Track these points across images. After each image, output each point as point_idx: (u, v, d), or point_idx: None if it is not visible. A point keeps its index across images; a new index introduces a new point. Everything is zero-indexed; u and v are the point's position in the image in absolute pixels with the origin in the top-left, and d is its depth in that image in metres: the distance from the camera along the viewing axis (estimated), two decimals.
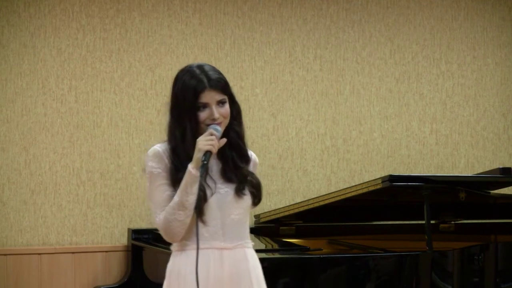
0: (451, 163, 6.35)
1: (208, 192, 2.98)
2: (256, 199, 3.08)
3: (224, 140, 2.99)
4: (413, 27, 6.31)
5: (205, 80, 3.03)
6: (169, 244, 4.74)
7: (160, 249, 5.19)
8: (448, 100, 6.38)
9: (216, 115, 3.00)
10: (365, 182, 4.75)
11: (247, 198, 3.05)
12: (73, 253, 5.53)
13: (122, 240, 5.63)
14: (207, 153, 2.92)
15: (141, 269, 5.41)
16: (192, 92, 3.02)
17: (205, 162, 2.90)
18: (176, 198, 2.93)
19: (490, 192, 5.13)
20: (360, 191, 4.65)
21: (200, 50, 5.85)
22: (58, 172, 5.57)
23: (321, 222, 5.33)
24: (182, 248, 3.00)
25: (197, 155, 2.92)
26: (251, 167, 3.12)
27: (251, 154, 3.17)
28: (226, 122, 3.05)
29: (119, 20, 5.71)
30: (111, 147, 5.67)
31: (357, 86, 6.17)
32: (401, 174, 5.69)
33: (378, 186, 4.52)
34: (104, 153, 5.65)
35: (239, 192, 3.03)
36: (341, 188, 5.46)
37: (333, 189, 5.67)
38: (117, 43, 5.70)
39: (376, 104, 6.21)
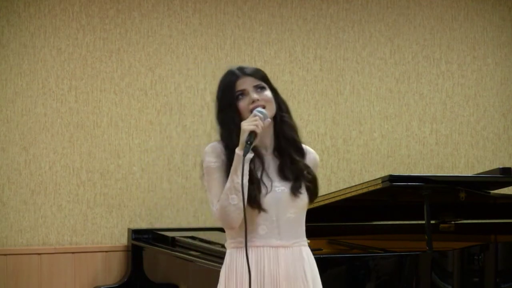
0: (451, 163, 6.35)
1: (263, 190, 2.99)
2: (313, 194, 3.10)
3: (269, 120, 2.99)
4: (413, 27, 6.31)
5: (238, 71, 3.07)
6: (168, 244, 4.72)
7: (160, 249, 5.19)
8: (448, 100, 6.38)
9: (255, 96, 3.01)
10: (365, 182, 4.74)
11: (304, 197, 3.05)
12: (73, 253, 5.53)
13: (122, 240, 5.63)
14: (252, 134, 2.92)
15: (141, 269, 5.41)
16: (228, 85, 3.05)
17: (249, 142, 2.90)
18: (227, 183, 2.93)
19: (490, 192, 5.12)
20: (360, 191, 4.64)
21: (200, 50, 5.85)
22: (58, 172, 5.57)
23: (321, 222, 5.32)
24: (239, 245, 3.00)
25: (242, 136, 2.93)
26: (311, 165, 3.15)
27: (311, 152, 3.20)
28: (271, 107, 3.04)
29: (119, 20, 5.71)
30: (111, 147, 5.67)
31: (357, 86, 6.17)
32: (401, 174, 5.68)
33: (378, 186, 4.52)
34: (104, 153, 5.65)
35: (295, 191, 3.03)
36: (341, 188, 5.45)
37: (333, 189, 5.66)
38: (117, 43, 5.70)
39: (376, 104, 6.21)
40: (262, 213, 2.98)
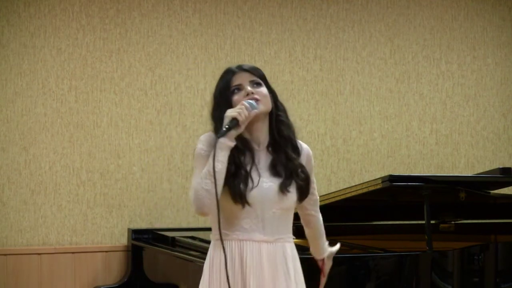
0: (451, 163, 6.35)
1: (249, 184, 2.97)
2: (303, 194, 3.07)
3: (255, 111, 2.96)
4: (413, 27, 6.31)
5: (236, 68, 3.08)
6: (168, 244, 4.70)
7: (160, 249, 5.19)
8: (448, 100, 6.38)
9: (249, 89, 3.01)
10: (365, 182, 4.74)
11: (292, 196, 3.04)
12: (73, 253, 5.53)
13: (122, 240, 5.63)
14: (233, 120, 2.90)
15: (141, 269, 5.41)
16: (225, 81, 3.05)
17: (227, 127, 2.89)
18: (205, 168, 2.92)
19: (490, 192, 5.12)
20: (360, 191, 4.64)
21: (200, 50, 5.85)
22: (58, 172, 5.57)
23: None
24: (223, 238, 2.98)
25: (224, 121, 2.92)
26: (304, 160, 3.12)
27: (304, 147, 3.17)
28: (266, 102, 3.03)
29: (119, 20, 5.71)
30: (111, 147, 5.67)
31: (357, 86, 6.17)
32: (401, 174, 5.68)
33: (378, 186, 4.52)
34: (104, 153, 5.65)
35: (283, 189, 3.01)
36: (341, 188, 5.46)
37: (333, 189, 5.67)
38: (117, 43, 5.70)
39: (376, 104, 6.21)
40: (246, 207, 2.97)
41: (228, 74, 3.06)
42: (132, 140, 5.71)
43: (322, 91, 6.10)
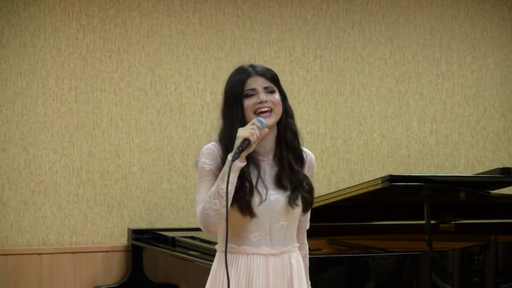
0: (451, 163, 6.35)
1: (257, 198, 2.95)
2: (308, 205, 3.05)
3: (266, 130, 2.94)
4: (413, 27, 6.31)
5: (251, 69, 3.05)
6: (168, 244, 4.72)
7: (160, 249, 5.19)
8: (448, 100, 6.38)
9: (263, 97, 2.98)
10: (365, 182, 4.74)
11: (299, 208, 3.02)
12: (73, 253, 5.53)
13: (122, 240, 5.63)
14: (245, 141, 2.88)
15: (141, 269, 5.41)
16: (238, 82, 3.01)
17: (240, 148, 2.87)
18: (213, 187, 2.90)
19: (490, 192, 5.12)
20: (360, 191, 4.64)
21: (200, 50, 5.85)
22: (58, 172, 5.57)
23: (321, 222, 5.32)
24: (228, 251, 2.97)
25: (236, 142, 2.89)
26: (306, 168, 3.09)
27: (308, 153, 3.14)
28: (277, 111, 3.02)
29: (119, 20, 5.71)
30: (111, 147, 5.67)
31: (357, 86, 6.17)
32: (401, 174, 5.68)
33: (378, 186, 4.52)
34: (104, 153, 5.65)
35: (291, 202, 2.99)
36: (341, 188, 5.46)
37: (333, 189, 5.67)
38: (117, 43, 5.70)
39: (376, 104, 6.21)
40: (254, 220, 2.95)
41: (243, 74, 3.03)
42: (132, 140, 5.71)
43: (322, 91, 6.10)
